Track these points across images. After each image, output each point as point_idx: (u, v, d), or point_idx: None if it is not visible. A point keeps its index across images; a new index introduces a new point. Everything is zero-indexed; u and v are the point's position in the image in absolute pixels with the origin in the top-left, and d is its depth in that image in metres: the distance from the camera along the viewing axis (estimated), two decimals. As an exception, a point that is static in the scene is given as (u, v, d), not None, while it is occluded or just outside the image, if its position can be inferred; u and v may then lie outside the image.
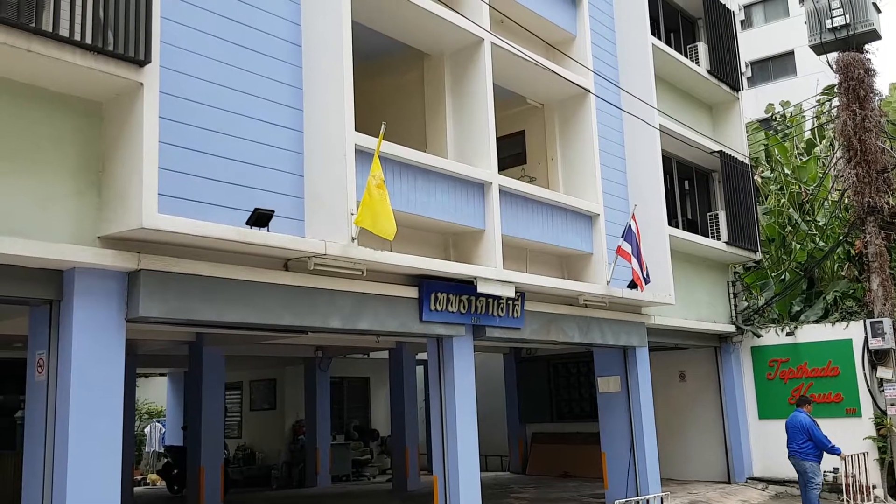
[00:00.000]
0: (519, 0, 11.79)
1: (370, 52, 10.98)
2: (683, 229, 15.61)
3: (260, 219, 7.67)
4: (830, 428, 12.91)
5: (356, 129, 8.66)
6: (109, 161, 6.93)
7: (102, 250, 6.83)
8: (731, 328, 16.63)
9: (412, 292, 9.79)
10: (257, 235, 7.60)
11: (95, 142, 6.96)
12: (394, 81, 11.83)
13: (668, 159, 15.28)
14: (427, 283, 9.87)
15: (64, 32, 6.16)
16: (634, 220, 12.15)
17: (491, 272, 10.22)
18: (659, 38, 15.81)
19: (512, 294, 10.56)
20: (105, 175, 6.94)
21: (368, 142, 8.71)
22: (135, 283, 7.08)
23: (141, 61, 6.65)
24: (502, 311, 10.95)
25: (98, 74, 6.49)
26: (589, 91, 12.66)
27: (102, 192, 6.92)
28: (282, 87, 8.59)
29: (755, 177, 18.80)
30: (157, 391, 24.49)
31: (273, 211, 7.78)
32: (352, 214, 8.31)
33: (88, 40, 6.30)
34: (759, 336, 16.63)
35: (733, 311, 16.90)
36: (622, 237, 12.02)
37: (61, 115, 6.74)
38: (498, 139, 11.01)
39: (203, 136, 7.68)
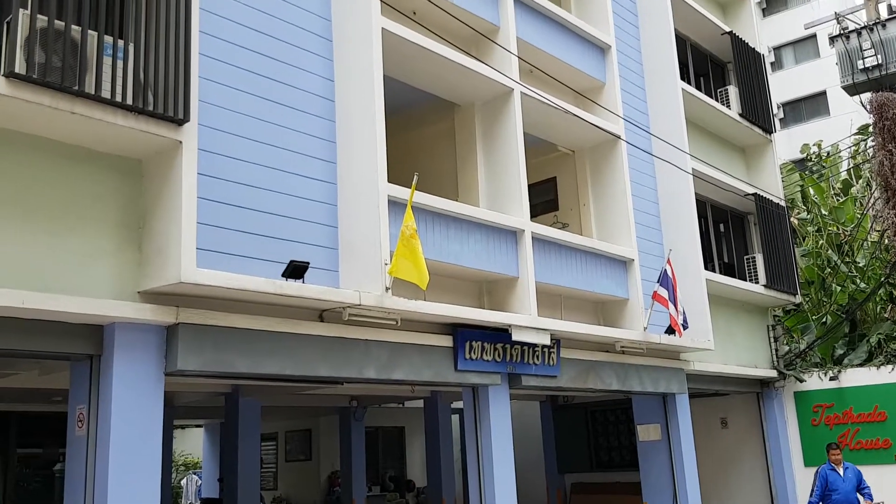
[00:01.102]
0: (548, 50, 11.94)
1: (401, 105, 11.16)
2: (720, 273, 15.43)
3: (295, 270, 7.76)
4: (879, 475, 12.54)
5: (389, 181, 8.77)
6: (149, 217, 7.08)
7: (142, 305, 6.94)
8: (773, 373, 16.28)
9: (447, 341, 9.76)
10: (293, 287, 7.67)
11: (136, 199, 7.12)
12: (425, 132, 11.99)
13: (702, 203, 15.19)
14: (461, 332, 9.85)
15: (106, 94, 6.37)
16: (670, 265, 12.05)
17: (525, 320, 10.17)
18: (689, 82, 15.89)
19: (547, 341, 10.48)
20: (145, 231, 7.09)
21: (401, 192, 8.81)
22: (173, 336, 7.17)
23: (180, 120, 6.83)
24: (538, 359, 10.86)
25: (138, 133, 6.68)
26: (619, 137, 12.70)
27: (143, 248, 7.06)
28: (315, 141, 8.75)
29: (791, 218, 18.58)
30: (193, 442, 24.55)
31: (308, 263, 7.86)
32: (385, 265, 8.37)
33: (129, 101, 6.50)
34: (801, 381, 16.25)
35: (774, 356, 16.56)
36: (658, 282, 11.92)
37: (103, 173, 6.93)
38: (529, 186, 11.06)
39: (239, 191, 7.84)
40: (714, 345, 13.57)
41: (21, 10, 5.99)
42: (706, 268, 14.28)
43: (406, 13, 9.78)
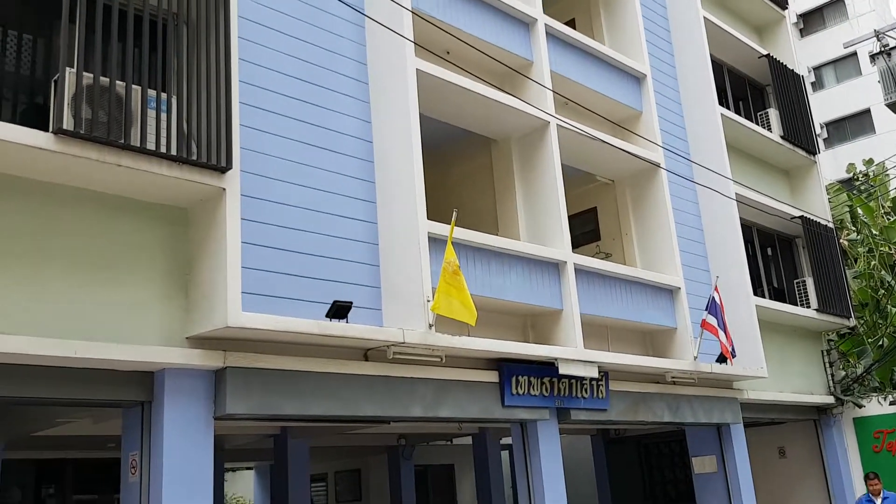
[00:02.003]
0: (582, 82, 11.96)
1: (438, 142, 11.25)
2: (770, 298, 15.11)
3: (339, 311, 7.81)
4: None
5: (428, 218, 8.82)
6: (196, 264, 7.21)
7: (190, 350, 7.04)
8: (830, 399, 15.81)
9: (492, 377, 9.69)
10: (337, 327, 7.72)
11: (182, 246, 7.27)
12: (463, 168, 12.06)
13: (747, 227, 14.96)
14: (507, 367, 9.77)
15: (151, 146, 6.55)
16: (717, 292, 11.85)
17: (572, 353, 10.06)
18: (727, 107, 15.74)
19: (595, 374, 10.35)
20: (191, 277, 7.22)
21: (441, 229, 8.84)
22: (221, 380, 7.24)
23: (222, 168, 6.98)
24: (586, 393, 10.71)
25: (183, 183, 6.84)
26: (659, 166, 12.61)
27: (189, 294, 7.19)
28: (355, 182, 8.86)
29: (841, 240, 18.17)
30: (244, 485, 24.62)
31: (351, 302, 7.91)
32: (428, 301, 8.38)
33: (173, 152, 6.67)
34: (860, 406, 15.74)
35: (831, 381, 16.09)
36: (706, 310, 11.72)
37: (150, 223, 7.09)
38: (570, 217, 11.02)
39: (282, 234, 7.95)
40: (768, 372, 13.25)
41: (68, 68, 6.22)
42: (755, 294, 14.00)
43: (439, 53, 9.91)
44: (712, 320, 11.58)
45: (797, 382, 15.19)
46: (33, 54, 7.01)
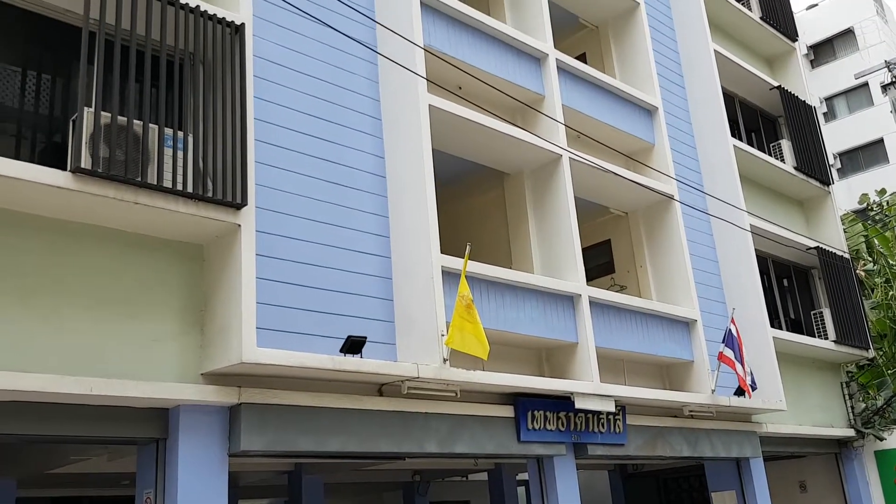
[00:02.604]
0: (594, 115, 12.02)
1: (451, 176, 11.31)
2: (787, 330, 14.97)
3: (353, 346, 7.80)
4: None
5: (442, 252, 8.83)
6: (211, 300, 7.24)
7: (205, 387, 7.04)
8: (851, 432, 15.56)
9: (508, 411, 9.61)
10: (351, 362, 7.70)
11: (198, 282, 7.30)
12: (476, 201, 12.09)
13: (763, 259, 14.88)
14: (523, 402, 9.70)
15: (167, 183, 6.62)
16: (734, 324, 11.76)
17: (588, 387, 9.97)
18: (740, 138, 15.77)
19: (612, 408, 10.25)
20: (207, 313, 7.23)
21: (454, 263, 8.85)
22: (236, 417, 7.22)
23: (238, 204, 7.04)
24: (603, 427, 10.60)
25: (199, 219, 6.89)
26: (672, 198, 12.61)
27: (205, 330, 7.20)
28: (368, 217, 8.90)
29: (857, 271, 18.01)
30: (259, 523, 24.39)
31: (365, 337, 7.90)
32: (442, 336, 8.36)
33: (189, 189, 6.74)
34: (881, 439, 15.48)
35: (851, 414, 15.85)
36: (723, 342, 11.62)
37: (166, 259, 7.14)
38: (583, 250, 11.01)
39: (297, 269, 7.98)
40: (786, 405, 13.08)
41: (86, 108, 6.31)
42: (772, 325, 13.88)
43: (452, 89, 10.00)
44: (729, 353, 11.47)
45: (817, 415, 14.98)
46: (52, 94, 7.13)
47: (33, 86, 7.01)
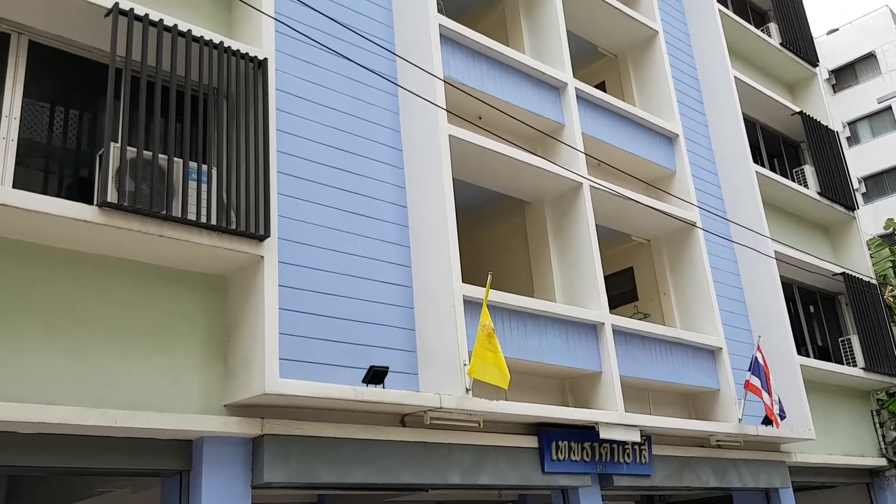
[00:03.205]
0: (614, 143, 12.03)
1: (471, 205, 11.34)
2: (815, 357, 14.75)
3: (375, 376, 7.79)
4: None
5: (463, 281, 8.83)
6: (234, 331, 7.28)
7: (229, 418, 7.05)
8: (882, 461, 15.23)
9: (532, 442, 9.52)
10: (374, 393, 7.68)
11: (221, 314, 7.35)
12: (496, 230, 12.10)
13: (788, 285, 14.72)
14: (546, 432, 9.61)
15: (191, 216, 6.70)
16: (760, 352, 11.61)
17: (613, 416, 9.87)
18: (762, 164, 15.70)
19: (637, 438, 10.12)
20: (230, 345, 7.27)
21: (476, 292, 8.84)
22: (259, 448, 7.22)
23: (261, 236, 7.10)
24: (629, 457, 10.46)
25: (222, 251, 6.96)
26: (695, 225, 12.54)
27: (228, 362, 7.23)
28: (390, 247, 8.93)
29: (885, 296, 17.75)
30: (282, 555, 24.24)
31: (387, 367, 7.89)
32: (464, 365, 8.33)
33: (213, 221, 6.81)
34: (915, 469, 15.14)
35: (882, 443, 15.53)
36: (749, 371, 11.47)
37: (190, 291, 7.20)
38: (606, 278, 10.95)
39: (319, 300, 8.01)
40: (815, 434, 12.85)
41: (112, 143, 6.43)
42: (799, 353, 13.69)
43: (472, 119, 10.07)
44: (756, 381, 11.32)
45: (847, 444, 14.69)
46: (79, 129, 7.27)
47: (61, 121, 7.16)
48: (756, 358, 11.50)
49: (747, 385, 11.35)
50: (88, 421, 6.24)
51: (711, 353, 12.02)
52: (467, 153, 9.75)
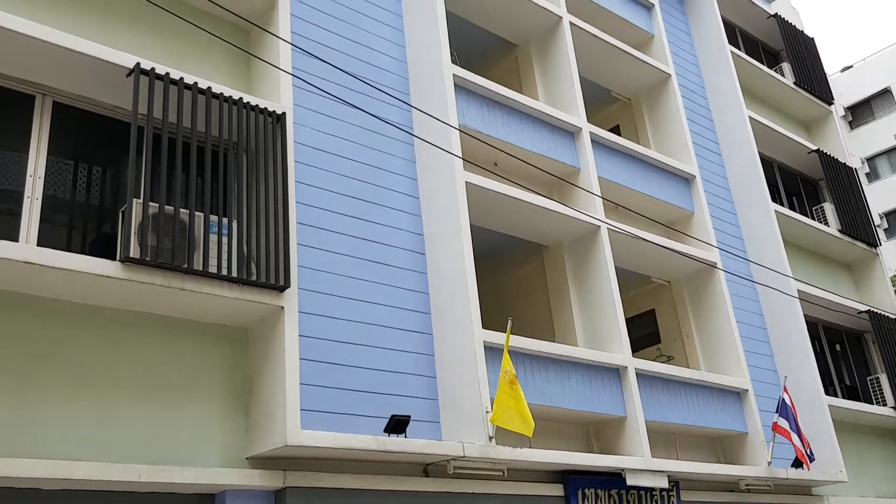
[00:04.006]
0: (631, 186, 12.06)
1: (489, 250, 11.36)
2: (843, 397, 14.48)
3: (397, 425, 7.74)
4: None
5: (483, 326, 8.81)
6: (255, 382, 7.29)
7: (251, 471, 7.01)
8: (920, 504, 14.82)
9: (557, 490, 9.37)
10: (396, 443, 7.63)
11: (243, 366, 7.37)
12: (515, 275, 12.09)
13: (812, 324, 14.53)
14: (572, 479, 9.46)
15: (213, 269, 6.78)
16: (787, 393, 11.43)
17: (639, 462, 9.71)
18: (781, 203, 15.65)
19: (665, 484, 9.93)
20: (252, 396, 7.27)
21: (496, 338, 8.80)
22: (281, 501, 7.15)
23: (281, 287, 7.15)
24: (656, 504, 10.26)
25: (243, 303, 7.01)
26: (715, 266, 12.47)
27: (250, 414, 7.23)
28: (409, 294, 8.95)
29: (913, 333, 17.47)
30: None
31: (409, 416, 7.84)
32: (487, 413, 8.26)
33: (234, 274, 6.88)
34: (954, 511, 14.68)
35: (919, 484, 15.13)
36: (777, 412, 11.28)
37: (211, 343, 7.24)
38: (627, 320, 10.88)
39: (339, 349, 8.01)
40: (847, 476, 12.55)
41: (135, 199, 6.54)
42: (827, 393, 13.45)
43: (487, 165, 10.15)
44: (784, 423, 11.12)
45: (881, 486, 14.32)
46: (102, 186, 7.40)
47: (84, 178, 7.29)
48: (783, 399, 11.32)
49: (775, 427, 11.16)
50: (112, 476, 6.23)
51: (737, 395, 11.84)
52: (484, 199, 9.82)
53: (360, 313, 8.36)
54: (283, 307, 7.19)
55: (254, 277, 7.01)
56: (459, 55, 11.34)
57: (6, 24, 6.46)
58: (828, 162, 16.71)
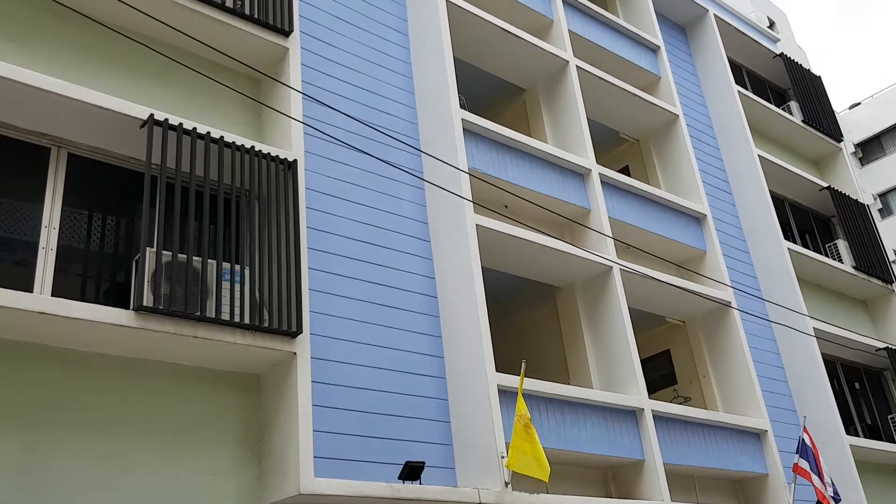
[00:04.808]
0: (642, 226, 12.05)
1: (501, 292, 11.33)
2: (864, 436, 14.23)
3: (412, 472, 7.65)
4: None
5: (497, 369, 8.75)
6: (268, 429, 7.24)
7: (263, 520, 6.93)
8: (950, 546, 14.43)
9: (575, 536, 9.20)
10: (410, 489, 7.53)
11: (255, 412, 7.33)
12: (528, 317, 12.04)
13: (830, 362, 14.35)
14: (590, 525, 9.29)
15: (225, 316, 6.78)
16: (807, 433, 11.24)
17: (657, 506, 9.53)
18: (794, 241, 15.59)
19: (684, 529, 9.74)
20: (265, 444, 7.22)
21: (510, 381, 8.73)
22: (295, 551, 7.05)
23: (293, 333, 7.14)
24: (677, 549, 10.04)
25: (255, 350, 7.00)
26: (729, 305, 12.39)
27: (263, 461, 7.16)
28: (422, 338, 8.92)
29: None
30: None
31: (424, 462, 7.76)
32: (502, 458, 8.15)
33: (247, 320, 6.89)
34: None
35: (947, 526, 14.75)
36: (797, 453, 11.08)
37: (224, 391, 7.21)
38: (643, 361, 10.78)
39: (352, 395, 7.97)
40: (873, 518, 12.28)
41: (148, 248, 6.58)
42: (848, 432, 13.22)
43: (497, 208, 10.19)
44: (805, 464, 10.92)
45: (909, 528, 13.99)
46: (116, 235, 7.46)
47: (98, 228, 7.36)
48: (803, 439, 11.13)
49: (796, 468, 10.95)
50: (124, 527, 6.17)
51: (757, 436, 11.66)
52: (495, 241, 9.83)
53: (372, 358, 8.33)
54: (295, 353, 7.18)
55: (266, 324, 7.01)
56: (468, 99, 11.47)
57: (22, 79, 6.60)
58: (839, 199, 16.67)
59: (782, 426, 12.29)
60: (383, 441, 8.01)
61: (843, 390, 14.93)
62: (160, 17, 7.50)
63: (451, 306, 9.17)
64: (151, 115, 7.13)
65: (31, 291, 6.47)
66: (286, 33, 8.71)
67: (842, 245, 16.11)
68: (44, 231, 6.80)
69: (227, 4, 8.27)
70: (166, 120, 7.19)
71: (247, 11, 8.42)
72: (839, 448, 12.67)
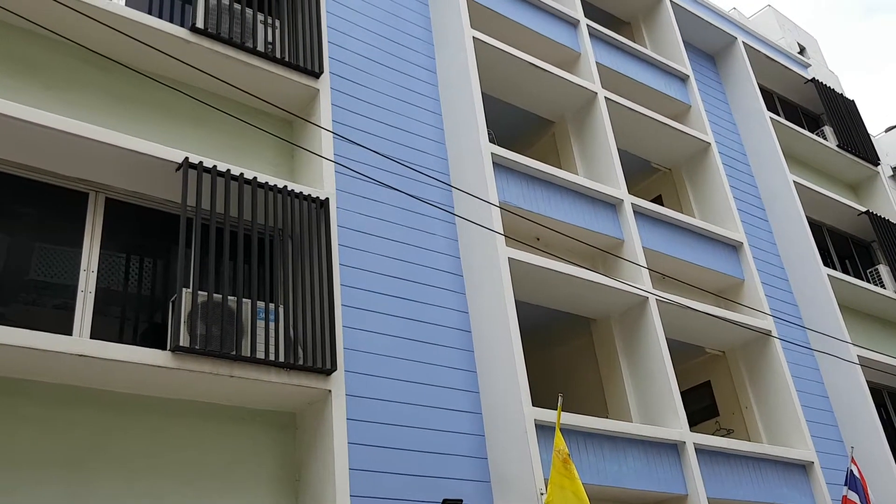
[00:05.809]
0: (677, 255, 11.92)
1: (536, 326, 11.23)
2: (917, 467, 13.76)
3: (450, 510, 7.56)
4: None
5: (533, 404, 8.64)
6: (304, 468, 7.21)
7: (301, 561, 6.88)
8: None
9: (619, 574, 9.00)
10: (449, 528, 7.43)
11: (291, 450, 7.32)
12: (564, 350, 11.92)
13: (877, 390, 13.97)
14: (633, 562, 9.08)
15: (260, 355, 6.82)
16: (855, 464, 10.91)
17: (702, 542, 9.29)
18: (833, 267, 15.29)
19: (731, 565, 9.46)
20: (301, 483, 7.19)
21: (547, 415, 8.62)
22: (333, 592, 6.97)
23: (328, 370, 7.15)
24: (724, 587, 9.75)
25: (291, 388, 7.01)
26: (769, 334, 12.15)
27: (299, 500, 7.13)
28: (457, 373, 8.86)
29: None
30: None
31: (461, 500, 7.67)
32: (541, 494, 8.02)
33: (282, 359, 6.91)
34: None
35: None
36: (845, 485, 10.74)
37: (260, 430, 7.22)
38: (683, 393, 10.58)
39: (388, 432, 7.92)
40: (930, 553, 11.82)
41: (184, 289, 6.66)
42: (897, 462, 12.81)
43: (529, 241, 10.15)
44: (854, 496, 10.58)
45: (968, 563, 13.43)
46: (153, 277, 7.57)
47: (136, 270, 7.48)
48: (851, 471, 10.80)
49: (845, 501, 10.61)
50: (162, 569, 6.17)
51: (803, 468, 11.34)
52: (528, 274, 9.78)
53: (408, 394, 8.29)
54: (330, 390, 7.18)
55: (301, 362, 7.03)
56: (497, 134, 11.52)
57: (59, 126, 6.77)
58: (879, 223, 16.36)
59: (829, 457, 11.95)
60: (420, 479, 7.93)
61: (891, 419, 14.50)
62: (193, 63, 7.69)
63: (486, 341, 9.12)
64: (186, 158, 7.26)
65: (71, 334, 6.56)
66: (316, 75, 8.86)
67: (883, 270, 15.77)
68: (82, 275, 6.92)
69: (258, 49, 8.44)
70: (201, 163, 7.32)
71: (278, 55, 8.58)
72: (889, 479, 12.26)
